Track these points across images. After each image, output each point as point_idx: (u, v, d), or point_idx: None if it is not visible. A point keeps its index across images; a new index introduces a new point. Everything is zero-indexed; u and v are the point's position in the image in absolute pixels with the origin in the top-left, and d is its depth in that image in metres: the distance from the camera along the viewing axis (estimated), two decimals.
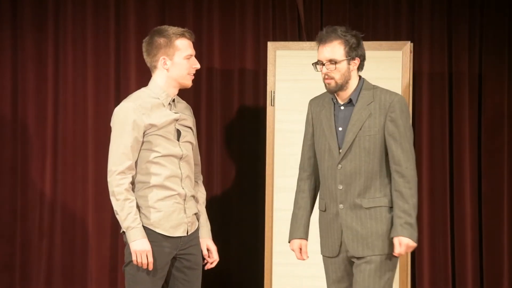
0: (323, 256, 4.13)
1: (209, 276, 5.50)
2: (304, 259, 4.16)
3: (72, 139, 5.61)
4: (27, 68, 5.62)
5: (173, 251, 4.06)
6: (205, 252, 4.23)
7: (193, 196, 4.18)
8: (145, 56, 4.11)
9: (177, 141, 4.08)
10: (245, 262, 5.59)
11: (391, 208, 3.95)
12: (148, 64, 4.11)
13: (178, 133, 4.09)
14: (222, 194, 5.65)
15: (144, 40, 4.11)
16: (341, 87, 3.98)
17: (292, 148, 5.18)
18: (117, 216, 3.99)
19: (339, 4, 5.58)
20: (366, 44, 5.17)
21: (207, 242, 4.25)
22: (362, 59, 4.03)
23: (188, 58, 4.08)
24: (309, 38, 5.54)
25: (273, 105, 5.20)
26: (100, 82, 5.61)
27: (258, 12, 5.60)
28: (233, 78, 5.62)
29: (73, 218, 5.62)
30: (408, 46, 5.10)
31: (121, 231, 4.09)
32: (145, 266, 3.97)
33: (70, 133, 5.61)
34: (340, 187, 3.98)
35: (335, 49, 3.95)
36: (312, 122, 4.12)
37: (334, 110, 4.03)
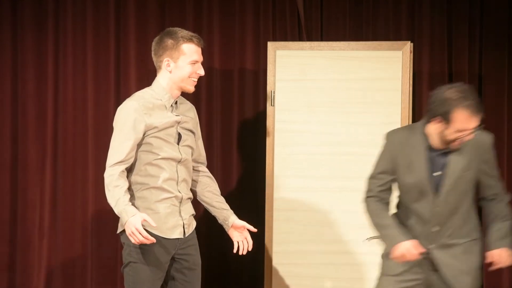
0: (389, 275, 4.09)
1: (209, 276, 5.50)
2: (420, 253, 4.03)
3: (72, 139, 5.61)
4: (27, 68, 5.62)
5: (171, 251, 4.07)
6: (240, 233, 4.28)
7: (190, 198, 4.19)
8: (152, 55, 4.13)
9: (177, 145, 4.08)
10: (245, 262, 5.58)
11: (479, 239, 4.09)
12: (155, 64, 4.12)
13: (179, 136, 4.09)
14: (222, 194, 5.63)
15: (154, 39, 4.13)
16: None
17: (292, 148, 5.18)
18: (111, 206, 3.95)
19: (339, 4, 5.57)
20: (366, 44, 5.21)
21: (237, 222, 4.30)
22: None
23: (193, 64, 4.07)
24: (309, 38, 5.54)
25: (273, 105, 5.20)
26: (100, 82, 5.60)
27: (258, 12, 5.60)
28: (233, 78, 5.61)
29: (73, 218, 5.62)
30: (408, 46, 5.10)
31: (117, 232, 4.09)
32: (144, 240, 3.88)
33: (70, 133, 5.61)
34: (435, 229, 4.02)
35: None
36: (397, 160, 4.03)
37: (428, 154, 3.99)
